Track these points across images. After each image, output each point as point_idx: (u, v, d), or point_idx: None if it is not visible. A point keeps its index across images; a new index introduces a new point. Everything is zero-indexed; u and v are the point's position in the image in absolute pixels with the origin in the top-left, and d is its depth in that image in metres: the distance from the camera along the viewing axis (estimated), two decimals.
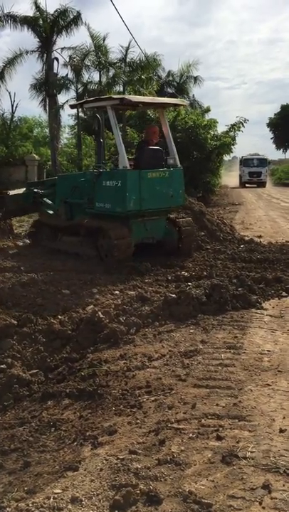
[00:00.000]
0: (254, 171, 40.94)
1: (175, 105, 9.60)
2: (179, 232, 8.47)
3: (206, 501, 2.37)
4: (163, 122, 8.93)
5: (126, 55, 24.91)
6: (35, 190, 10.05)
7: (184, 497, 2.42)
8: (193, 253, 8.66)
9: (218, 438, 2.95)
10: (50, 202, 9.60)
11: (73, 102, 24.66)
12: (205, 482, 2.54)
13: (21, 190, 10.92)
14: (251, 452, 2.79)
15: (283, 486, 2.50)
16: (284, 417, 3.19)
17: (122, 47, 24.67)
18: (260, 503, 2.38)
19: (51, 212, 9.45)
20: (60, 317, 5.45)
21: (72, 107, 9.83)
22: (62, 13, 23.45)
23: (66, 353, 4.90)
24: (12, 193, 11.22)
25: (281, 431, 3.02)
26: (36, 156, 25.77)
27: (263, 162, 42.27)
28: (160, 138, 8.98)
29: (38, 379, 4.50)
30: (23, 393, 4.09)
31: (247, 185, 40.60)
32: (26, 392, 4.20)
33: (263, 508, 2.35)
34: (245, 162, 42.01)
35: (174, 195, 8.24)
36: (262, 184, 40.46)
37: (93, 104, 8.67)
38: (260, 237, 10.75)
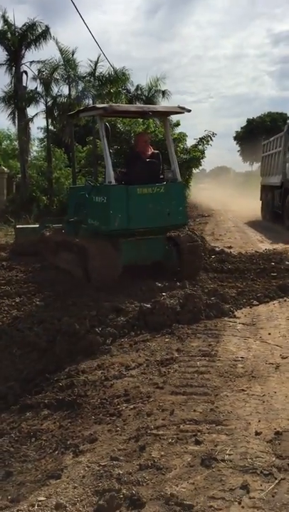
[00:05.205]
0: None
1: (173, 113, 8.31)
2: (179, 252, 7.58)
3: (187, 503, 2.44)
4: (165, 132, 8.23)
5: (95, 69, 25.08)
6: (47, 225, 9.93)
7: (166, 500, 2.48)
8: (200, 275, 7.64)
9: (197, 442, 3.02)
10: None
11: (42, 114, 24.80)
12: (186, 485, 2.61)
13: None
14: (229, 455, 2.88)
15: (261, 485, 2.59)
16: (259, 421, 3.30)
17: (90, 61, 24.80)
18: (240, 503, 2.46)
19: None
20: (35, 329, 5.46)
21: (69, 116, 9.55)
22: (31, 27, 23.48)
23: (43, 364, 4.93)
24: (20, 226, 11.40)
25: (257, 433, 3.12)
26: (5, 169, 25.61)
27: None
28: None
29: (14, 391, 4.51)
30: (0, 406, 4.10)
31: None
32: (3, 404, 4.22)
33: (242, 507, 2.44)
34: None
35: (172, 212, 7.35)
36: None
37: (86, 113, 8.32)
38: (230, 247, 10.98)
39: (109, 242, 7.20)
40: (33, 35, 23.56)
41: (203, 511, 2.39)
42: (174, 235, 7.84)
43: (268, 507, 2.42)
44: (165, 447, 3.00)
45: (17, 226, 11.69)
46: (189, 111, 7.77)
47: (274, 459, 2.83)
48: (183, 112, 7.85)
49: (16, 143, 29.16)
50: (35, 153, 33.02)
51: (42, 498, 2.56)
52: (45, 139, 28.44)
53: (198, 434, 3.13)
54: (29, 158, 26.75)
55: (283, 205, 15.71)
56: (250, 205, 22.11)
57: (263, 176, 20.27)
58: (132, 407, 3.61)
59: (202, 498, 2.50)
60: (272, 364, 4.35)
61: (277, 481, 2.62)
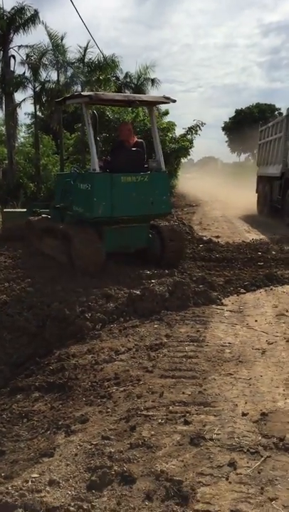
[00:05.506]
0: None
1: (158, 103, 8.65)
2: (161, 240, 7.76)
3: (177, 479, 2.53)
4: (151, 121, 8.37)
5: (84, 55, 24.86)
6: (35, 210, 9.94)
7: (156, 476, 2.56)
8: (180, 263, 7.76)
9: (186, 423, 3.11)
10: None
11: (30, 100, 24.63)
12: (175, 462, 2.70)
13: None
14: (217, 434, 2.97)
15: (247, 463, 2.69)
16: (246, 402, 3.40)
17: (80, 47, 24.56)
18: (227, 479, 2.56)
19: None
20: (25, 314, 5.50)
21: (57, 102, 9.57)
22: (19, 10, 23.13)
23: (33, 349, 4.99)
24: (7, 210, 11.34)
25: (244, 414, 3.22)
26: None
27: None
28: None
29: (4, 375, 4.57)
30: None
31: None
32: None
33: (230, 482, 2.53)
34: None
35: (156, 201, 7.45)
36: None
37: (72, 100, 8.16)
38: (217, 237, 11.07)
39: (93, 229, 7.31)
40: (21, 19, 23.20)
41: (192, 486, 2.48)
42: (157, 225, 7.99)
43: (254, 483, 2.52)
44: (155, 427, 3.08)
45: (4, 210, 11.66)
46: (174, 101, 7.86)
47: (260, 438, 2.94)
48: (168, 102, 7.99)
49: (3, 128, 28.82)
50: (22, 139, 32.66)
51: (35, 475, 2.63)
52: (33, 125, 28.18)
53: (187, 414, 3.22)
54: (16, 145, 26.48)
55: (283, 199, 13.93)
56: (241, 196, 21.78)
57: (259, 166, 18.14)
58: (122, 389, 3.68)
59: (191, 475, 2.59)
60: (259, 349, 4.45)
61: (263, 459, 2.73)
